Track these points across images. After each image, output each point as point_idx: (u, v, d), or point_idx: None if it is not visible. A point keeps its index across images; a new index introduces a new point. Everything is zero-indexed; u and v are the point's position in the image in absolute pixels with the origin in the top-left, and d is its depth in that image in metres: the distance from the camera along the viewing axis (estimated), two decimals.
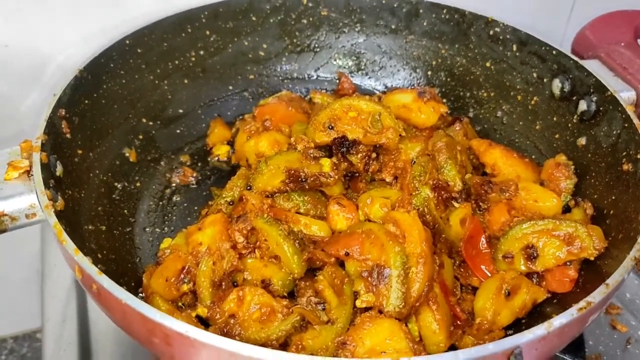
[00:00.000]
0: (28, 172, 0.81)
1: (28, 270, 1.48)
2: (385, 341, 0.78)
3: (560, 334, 0.65)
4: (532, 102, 1.17)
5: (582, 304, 0.66)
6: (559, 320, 0.64)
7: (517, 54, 1.18)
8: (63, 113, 0.93)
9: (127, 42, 1.11)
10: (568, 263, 0.91)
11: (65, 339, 1.01)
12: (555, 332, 0.64)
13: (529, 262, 0.93)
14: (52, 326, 1.04)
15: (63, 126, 0.93)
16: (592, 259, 0.89)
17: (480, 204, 1.02)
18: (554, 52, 1.12)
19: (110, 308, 0.68)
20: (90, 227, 0.93)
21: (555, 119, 1.13)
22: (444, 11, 1.26)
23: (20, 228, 0.80)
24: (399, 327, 0.79)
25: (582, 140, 1.05)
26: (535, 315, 0.90)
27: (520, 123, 1.20)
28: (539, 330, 0.63)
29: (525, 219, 0.96)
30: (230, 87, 1.29)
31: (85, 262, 0.68)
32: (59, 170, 0.87)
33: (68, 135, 0.94)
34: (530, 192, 1.01)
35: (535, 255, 0.92)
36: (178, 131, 1.21)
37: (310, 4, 1.29)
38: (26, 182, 0.80)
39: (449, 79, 1.29)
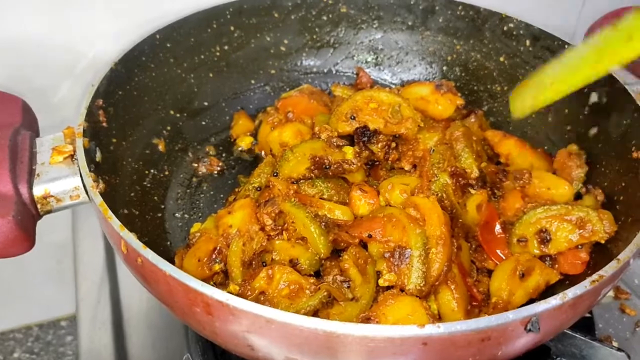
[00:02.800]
0: (72, 157, 0.86)
1: (51, 260, 1.54)
2: (407, 316, 0.82)
3: (574, 305, 0.70)
4: None
5: (594, 277, 0.71)
6: (573, 292, 0.69)
7: (530, 48, 1.23)
8: (100, 103, 0.98)
9: (157, 36, 1.16)
10: (580, 246, 0.96)
11: (99, 320, 1.06)
12: (570, 302, 0.68)
13: (542, 246, 0.97)
14: (86, 308, 1.09)
15: (100, 115, 0.98)
16: (603, 242, 0.94)
17: (495, 191, 1.06)
18: (566, 46, 1.16)
19: (154, 280, 0.73)
20: (124, 212, 0.98)
21: (567, 111, 1.17)
22: (459, 8, 1.30)
23: (64, 209, 0.86)
24: (419, 304, 0.84)
25: (593, 131, 1.09)
26: (548, 296, 0.94)
27: (533, 116, 1.23)
28: (554, 301, 0.68)
29: (539, 205, 1.00)
30: (253, 81, 1.34)
31: (131, 237, 0.73)
32: (98, 156, 0.92)
33: (104, 124, 0.99)
34: (543, 180, 1.05)
35: (548, 238, 0.97)
36: (203, 123, 1.26)
37: (330, 2, 1.34)
38: (70, 166, 0.85)
39: (463, 74, 1.34)
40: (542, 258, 0.98)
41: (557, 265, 0.97)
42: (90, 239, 1.21)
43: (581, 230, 0.94)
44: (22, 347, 1.61)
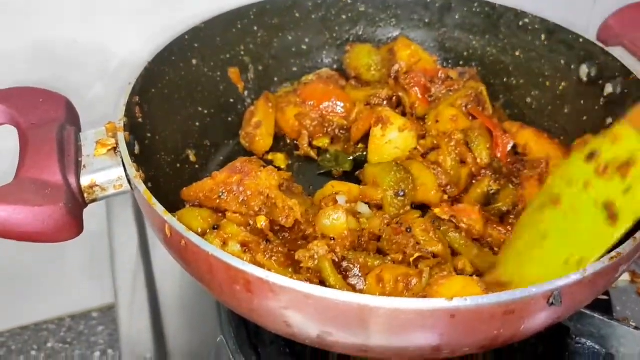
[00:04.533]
0: (114, 149, 0.91)
1: (83, 254, 1.60)
2: (463, 289, 0.83)
3: (593, 281, 0.74)
4: (561, 88, 1.25)
5: (613, 254, 0.75)
6: (592, 268, 0.73)
7: (546, 42, 1.26)
8: (137, 99, 1.04)
9: (186, 37, 1.21)
10: None
11: (137, 306, 1.12)
12: (589, 278, 0.72)
13: None
14: (124, 295, 1.15)
15: (137, 111, 1.03)
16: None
17: (513, 179, 1.11)
18: (580, 40, 1.20)
19: (196, 261, 0.78)
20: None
21: (582, 102, 1.21)
22: (475, 4, 1.34)
23: (108, 198, 0.91)
24: (471, 280, 0.85)
25: (609, 121, 1.13)
26: None
27: (549, 108, 1.28)
28: (575, 276, 0.72)
29: None
30: (275, 79, 1.39)
31: (175, 221, 0.78)
32: (137, 149, 0.98)
33: (140, 120, 1.05)
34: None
35: None
36: (230, 119, 1.31)
37: (349, 1, 1.39)
38: (113, 158, 0.91)
39: (480, 68, 1.37)
40: None
41: None
42: (124, 228, 1.26)
43: None
44: (55, 337, 1.68)
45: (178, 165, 1.16)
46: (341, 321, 0.72)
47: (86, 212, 0.92)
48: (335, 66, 1.43)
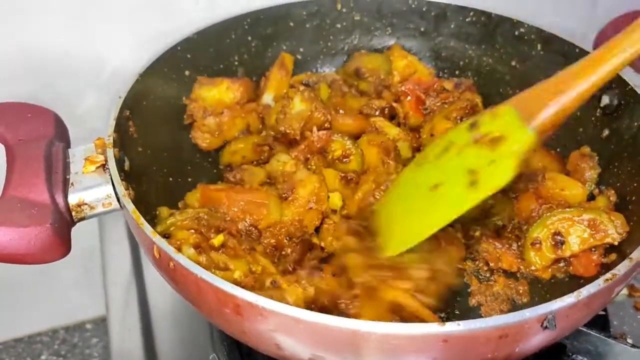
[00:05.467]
0: (103, 166, 0.90)
1: (77, 266, 1.58)
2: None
3: (588, 303, 0.72)
4: None
5: (608, 275, 0.73)
6: (587, 290, 0.72)
7: (542, 52, 1.25)
8: (127, 113, 1.03)
9: (179, 48, 1.20)
10: (593, 249, 0.98)
11: (128, 322, 1.11)
12: (584, 300, 0.71)
13: (557, 249, 0.99)
14: (116, 311, 1.13)
15: (130, 125, 1.02)
16: (615, 244, 0.96)
17: (509, 193, 1.09)
18: (577, 50, 1.18)
19: (185, 283, 0.77)
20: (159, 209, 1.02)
21: (578, 113, 1.17)
22: (471, 14, 1.33)
23: (96, 216, 0.90)
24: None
25: (605, 133, 1.12)
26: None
27: None
28: (569, 299, 0.70)
29: (553, 208, 1.02)
30: None
31: (163, 243, 0.77)
32: (127, 165, 0.96)
33: (132, 134, 1.03)
34: (556, 182, 1.08)
35: (562, 241, 0.99)
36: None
37: (344, 10, 1.37)
38: (102, 175, 0.89)
39: (475, 78, 1.36)
40: (557, 261, 1.00)
41: (571, 268, 1.00)
42: (117, 244, 1.25)
43: (593, 232, 0.97)
44: (49, 349, 1.66)
45: (171, 179, 1.14)
46: (333, 345, 0.71)
47: (79, 225, 0.91)
48: None
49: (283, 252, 0.99)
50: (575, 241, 0.98)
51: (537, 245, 1.00)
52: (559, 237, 0.99)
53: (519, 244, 1.03)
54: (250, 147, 1.19)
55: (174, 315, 1.11)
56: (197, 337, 1.07)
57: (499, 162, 0.85)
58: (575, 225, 0.98)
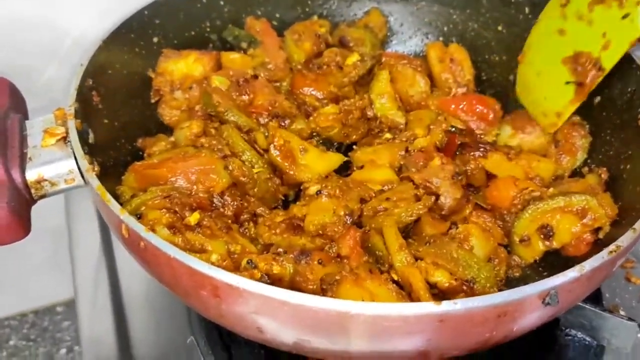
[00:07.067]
0: (64, 139, 0.83)
1: (45, 246, 1.50)
2: None
3: (591, 277, 0.68)
4: None
5: (611, 247, 0.69)
6: (590, 264, 0.67)
7: (530, 16, 1.19)
8: (90, 83, 0.95)
9: (146, 12, 1.12)
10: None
11: (98, 305, 1.04)
12: (587, 274, 0.67)
13: (547, 241, 0.93)
14: (85, 293, 1.07)
15: (93, 95, 0.94)
16: (606, 228, 0.91)
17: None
18: None
19: (158, 264, 0.71)
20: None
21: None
22: None
23: (59, 193, 0.82)
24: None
25: (597, 99, 1.07)
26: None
27: None
28: (572, 273, 0.66)
29: (534, 193, 0.95)
30: None
31: (132, 221, 0.71)
32: (91, 137, 0.89)
33: (97, 105, 0.96)
34: (525, 159, 1.03)
35: (551, 233, 0.93)
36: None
37: None
38: (63, 149, 0.82)
39: (460, 44, 1.30)
40: (548, 252, 0.95)
41: (562, 250, 0.94)
42: (84, 222, 1.18)
43: (583, 219, 0.91)
44: (17, 334, 1.59)
45: (140, 152, 1.07)
46: (320, 328, 0.66)
47: (48, 201, 0.84)
48: None
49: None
50: (565, 231, 0.92)
51: (526, 242, 0.94)
52: (547, 229, 0.93)
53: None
54: None
55: (148, 296, 1.05)
56: (174, 320, 1.01)
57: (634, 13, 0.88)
58: (565, 216, 0.92)
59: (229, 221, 0.92)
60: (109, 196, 0.73)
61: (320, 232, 0.89)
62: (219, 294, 0.67)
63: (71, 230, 1.17)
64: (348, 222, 0.89)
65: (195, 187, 0.91)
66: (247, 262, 0.78)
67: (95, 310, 1.05)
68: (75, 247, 1.14)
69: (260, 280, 0.77)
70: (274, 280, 0.79)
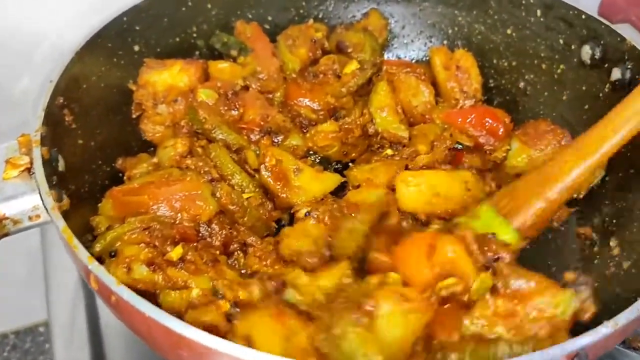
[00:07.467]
0: (29, 170, 0.74)
1: (28, 265, 1.43)
2: None
3: (623, 331, 0.60)
4: (559, 71, 1.10)
5: None
6: (624, 317, 0.59)
7: (542, 19, 1.11)
8: (62, 101, 0.86)
9: (124, 19, 1.03)
10: None
11: (75, 331, 0.96)
12: (620, 329, 0.59)
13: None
14: (60, 328, 0.98)
15: (65, 114, 0.86)
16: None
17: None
18: (582, 16, 1.05)
19: (131, 320, 0.62)
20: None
21: (584, 88, 1.06)
22: None
23: (24, 231, 0.74)
24: None
25: None
26: None
27: (546, 94, 1.13)
28: (605, 329, 0.58)
29: None
30: None
31: (102, 271, 0.62)
32: (61, 164, 0.81)
33: (73, 125, 0.87)
34: None
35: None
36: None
37: None
38: (27, 181, 0.74)
39: (466, 49, 1.21)
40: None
41: None
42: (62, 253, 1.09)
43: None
44: None
45: (120, 174, 0.98)
46: None
47: None
48: None
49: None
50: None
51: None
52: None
53: None
54: None
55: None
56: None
57: None
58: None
59: (217, 252, 0.84)
60: (76, 241, 0.65)
61: (294, 259, 0.82)
62: (198, 355, 0.58)
63: (46, 261, 1.08)
64: (326, 254, 0.82)
65: (179, 215, 0.83)
66: (213, 294, 0.72)
67: (71, 335, 0.97)
68: (51, 279, 1.06)
69: (229, 310, 0.71)
70: (242, 306, 0.72)
